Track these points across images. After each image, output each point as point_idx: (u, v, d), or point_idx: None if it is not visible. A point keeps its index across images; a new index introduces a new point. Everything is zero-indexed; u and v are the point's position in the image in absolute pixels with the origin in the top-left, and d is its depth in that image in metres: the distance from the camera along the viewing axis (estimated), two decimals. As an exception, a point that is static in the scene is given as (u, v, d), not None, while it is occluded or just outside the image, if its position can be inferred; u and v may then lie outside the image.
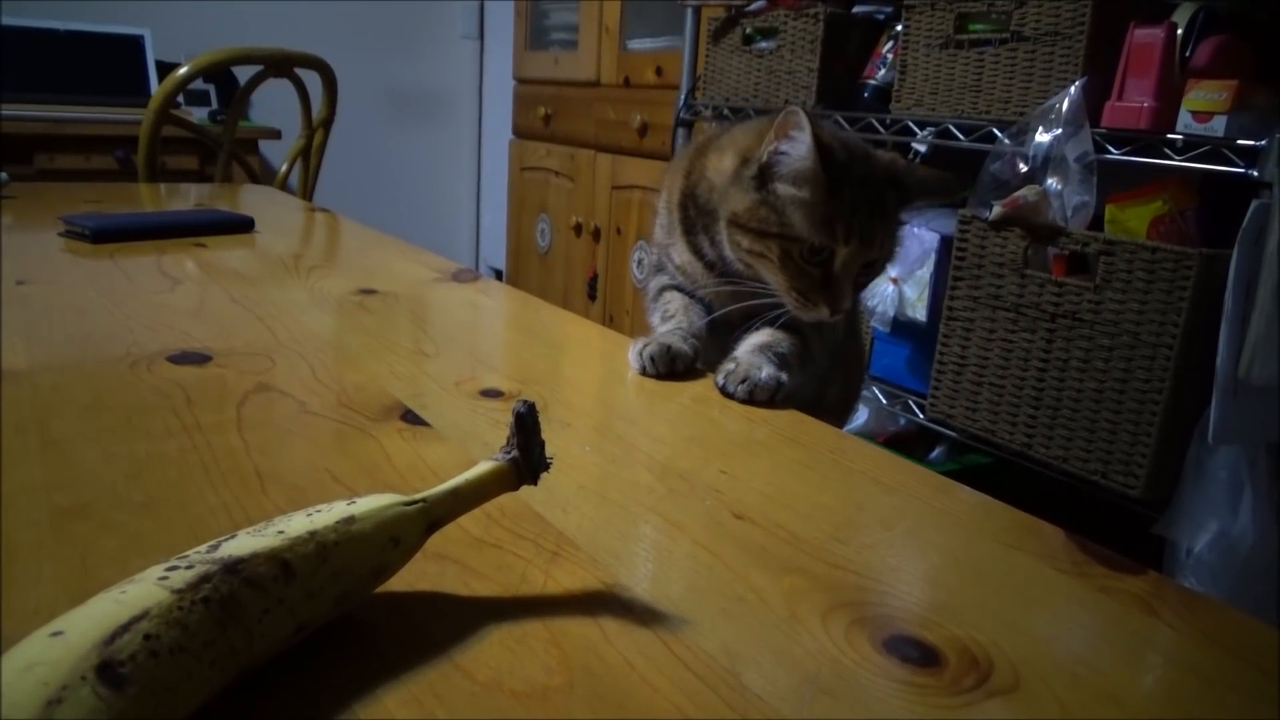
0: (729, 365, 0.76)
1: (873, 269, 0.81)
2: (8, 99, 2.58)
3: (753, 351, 0.78)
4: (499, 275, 3.76)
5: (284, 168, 2.40)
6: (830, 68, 1.89)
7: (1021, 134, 1.50)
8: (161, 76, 2.43)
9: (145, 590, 0.31)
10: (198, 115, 2.90)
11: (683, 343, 0.80)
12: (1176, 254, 1.28)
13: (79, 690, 0.27)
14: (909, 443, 1.87)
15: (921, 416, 1.72)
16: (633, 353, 0.80)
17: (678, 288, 0.91)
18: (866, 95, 1.86)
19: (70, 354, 0.73)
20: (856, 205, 0.76)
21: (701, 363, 0.82)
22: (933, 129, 1.71)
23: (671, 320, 0.86)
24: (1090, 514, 1.42)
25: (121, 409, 0.62)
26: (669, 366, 0.78)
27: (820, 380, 0.89)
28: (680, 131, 2.37)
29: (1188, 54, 1.37)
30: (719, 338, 0.85)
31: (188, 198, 1.77)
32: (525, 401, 0.44)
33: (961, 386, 1.61)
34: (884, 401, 1.82)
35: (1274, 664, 0.43)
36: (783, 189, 0.78)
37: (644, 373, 0.79)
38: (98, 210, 1.36)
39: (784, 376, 0.75)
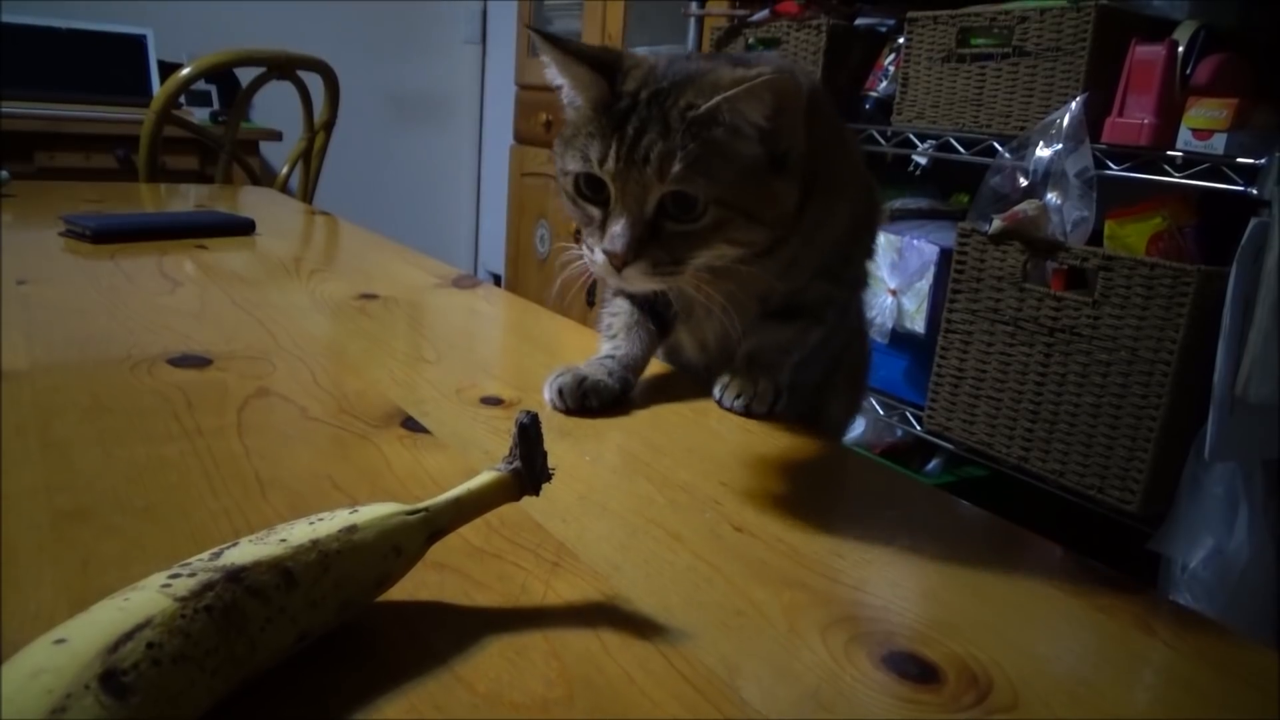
0: (724, 379, 0.76)
1: (692, 210, 0.62)
2: (9, 96, 2.58)
3: (748, 363, 0.78)
4: (497, 280, 3.77)
5: (285, 170, 2.40)
6: (832, 79, 1.89)
7: (1022, 148, 1.50)
8: (163, 76, 2.43)
9: (148, 598, 0.31)
10: (199, 116, 2.90)
11: (606, 375, 0.73)
12: (1175, 270, 1.29)
13: (83, 699, 0.27)
14: (906, 454, 1.87)
15: (919, 428, 1.73)
16: (547, 381, 0.72)
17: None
18: (868, 107, 1.87)
19: (71, 355, 0.73)
20: (623, 120, 0.62)
21: (634, 392, 0.75)
22: (933, 142, 1.71)
23: (610, 342, 0.78)
24: (1086, 529, 1.42)
25: (122, 412, 0.62)
26: (580, 402, 0.70)
27: (820, 378, 0.86)
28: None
29: (1188, 72, 1.37)
30: (724, 347, 0.83)
31: (188, 198, 1.77)
32: (529, 412, 0.44)
33: (959, 399, 1.61)
34: (881, 413, 1.83)
35: (1270, 685, 0.43)
36: (568, 115, 0.68)
37: (554, 407, 0.70)
38: (98, 210, 1.36)
39: (780, 386, 0.75)
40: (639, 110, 0.62)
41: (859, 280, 0.86)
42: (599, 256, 0.63)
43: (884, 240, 1.73)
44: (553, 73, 0.66)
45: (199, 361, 0.73)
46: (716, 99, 0.60)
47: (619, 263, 0.62)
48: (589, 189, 0.64)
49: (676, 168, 0.60)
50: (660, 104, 0.62)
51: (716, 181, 0.62)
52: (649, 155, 0.61)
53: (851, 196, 0.77)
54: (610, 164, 0.61)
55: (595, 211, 0.64)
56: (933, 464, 1.85)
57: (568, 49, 0.64)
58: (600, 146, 0.62)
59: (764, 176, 0.64)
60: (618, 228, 0.62)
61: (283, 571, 0.35)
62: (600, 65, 0.64)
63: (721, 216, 0.63)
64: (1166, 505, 1.35)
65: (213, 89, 3.10)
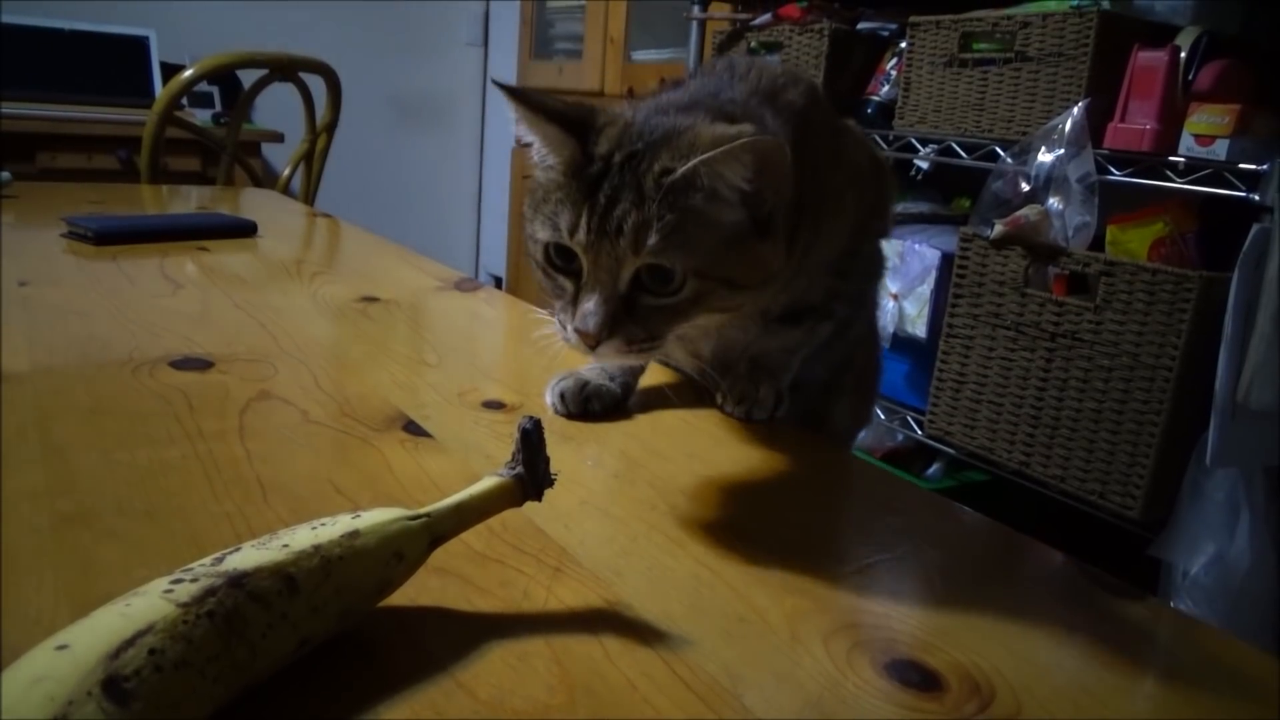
0: (726, 384, 0.75)
1: (670, 283, 0.57)
2: (11, 97, 2.58)
3: (751, 368, 0.77)
4: (498, 283, 3.77)
5: (286, 172, 2.40)
6: (834, 83, 1.89)
7: (1024, 153, 1.50)
8: (166, 78, 2.43)
9: (150, 603, 0.31)
10: (201, 117, 2.90)
11: (608, 380, 0.73)
12: (1177, 276, 1.28)
13: (84, 706, 0.26)
14: (906, 459, 1.87)
15: (920, 433, 1.72)
16: (549, 386, 0.73)
17: None
18: (870, 111, 1.87)
19: (72, 357, 0.73)
20: (595, 186, 0.57)
21: (635, 397, 0.75)
22: (935, 146, 1.71)
23: None
24: (1087, 534, 1.42)
25: (123, 414, 0.62)
26: (582, 407, 0.71)
27: (828, 376, 0.84)
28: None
29: (1190, 77, 1.37)
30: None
31: (190, 200, 1.77)
32: (531, 418, 0.44)
33: (960, 404, 1.61)
34: (882, 417, 1.82)
35: (1271, 691, 0.43)
36: (539, 176, 0.63)
37: (555, 411, 0.71)
38: (100, 211, 1.36)
39: (782, 391, 0.75)
40: (612, 175, 0.57)
41: (871, 269, 0.83)
42: (570, 334, 0.59)
43: (886, 244, 1.73)
44: (521, 129, 0.60)
45: (200, 364, 0.73)
46: (693, 161, 0.55)
47: (592, 342, 0.58)
48: (560, 259, 0.60)
49: (652, 240, 0.55)
50: (634, 169, 0.57)
51: (695, 252, 0.57)
52: (622, 226, 0.56)
53: (853, 199, 0.75)
54: (581, 235, 0.57)
55: (567, 284, 0.60)
56: (933, 468, 1.85)
57: (536, 105, 0.59)
58: (570, 215, 0.57)
59: (747, 242, 0.59)
60: (590, 304, 0.57)
61: (285, 577, 0.35)
62: (572, 124, 0.60)
63: (702, 288, 0.58)
64: (1168, 511, 1.34)
65: (215, 91, 3.10)
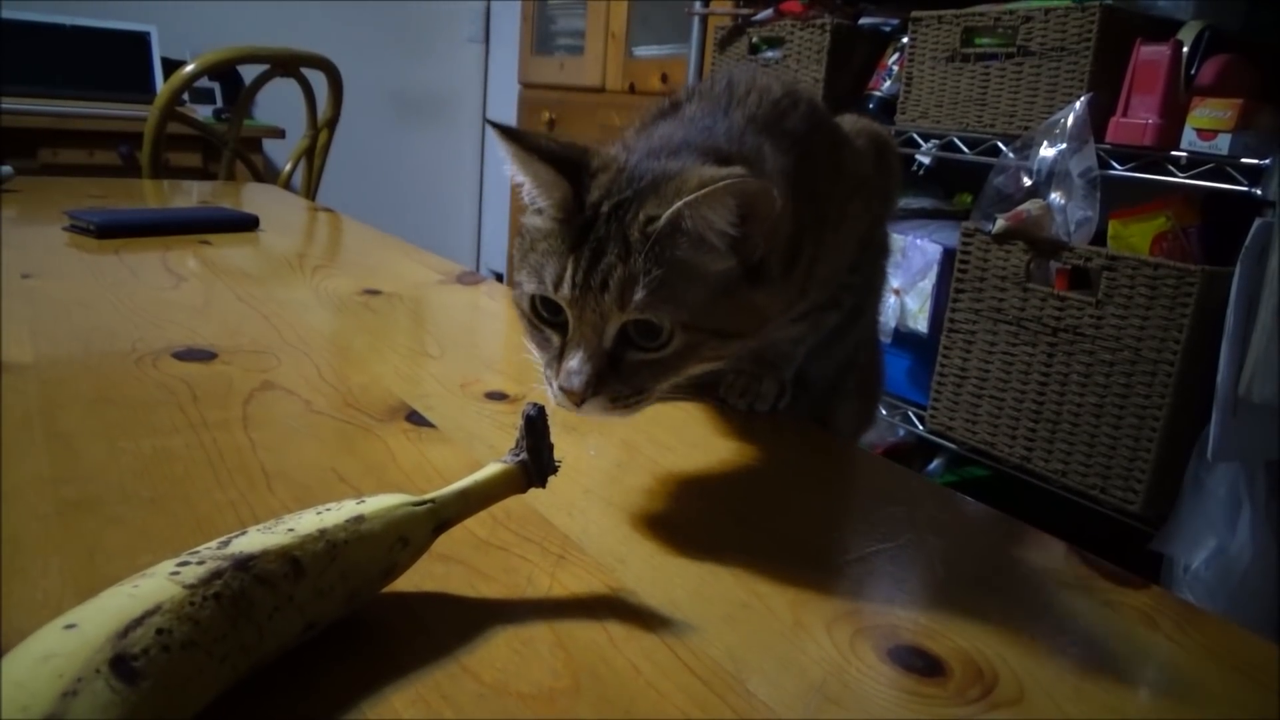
0: (729, 377, 0.76)
1: (657, 338, 0.54)
2: (13, 93, 2.58)
3: (754, 360, 0.77)
4: (499, 279, 3.77)
5: (288, 167, 2.40)
6: (836, 79, 1.89)
7: (1026, 148, 1.50)
8: (167, 74, 2.43)
9: (158, 584, 0.31)
10: (203, 113, 2.90)
11: None
12: (1179, 271, 1.29)
13: (93, 683, 0.27)
14: (908, 454, 1.87)
15: (921, 428, 1.73)
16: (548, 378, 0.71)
17: None
18: (872, 107, 1.87)
19: (76, 348, 0.73)
20: (582, 237, 0.55)
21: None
22: (937, 142, 1.71)
23: None
24: (1088, 529, 1.42)
25: (127, 404, 0.62)
26: None
27: (833, 374, 0.84)
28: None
29: (1193, 72, 1.37)
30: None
31: (191, 195, 1.77)
32: (535, 405, 0.44)
33: (962, 399, 1.61)
34: (884, 412, 1.82)
35: (1273, 679, 0.43)
36: (527, 221, 0.61)
37: (557, 404, 0.72)
38: (102, 205, 1.36)
39: (784, 383, 0.75)
40: (598, 226, 0.55)
41: (879, 255, 0.82)
42: (556, 392, 0.56)
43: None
44: (513, 170, 0.58)
45: (204, 355, 0.73)
46: (675, 205, 0.53)
47: (576, 400, 0.55)
48: (546, 311, 0.57)
49: (638, 295, 0.53)
50: (620, 219, 0.55)
51: (683, 306, 0.54)
52: (608, 281, 0.53)
53: (858, 209, 0.74)
54: (566, 289, 0.54)
55: (553, 337, 0.57)
56: (935, 464, 1.85)
57: (530, 146, 0.56)
58: (556, 268, 0.55)
59: (738, 291, 0.57)
60: (574, 362, 0.54)
61: (291, 560, 0.35)
62: (564, 165, 0.57)
63: (691, 340, 0.56)
64: (1169, 505, 1.34)
65: (216, 86, 3.10)
